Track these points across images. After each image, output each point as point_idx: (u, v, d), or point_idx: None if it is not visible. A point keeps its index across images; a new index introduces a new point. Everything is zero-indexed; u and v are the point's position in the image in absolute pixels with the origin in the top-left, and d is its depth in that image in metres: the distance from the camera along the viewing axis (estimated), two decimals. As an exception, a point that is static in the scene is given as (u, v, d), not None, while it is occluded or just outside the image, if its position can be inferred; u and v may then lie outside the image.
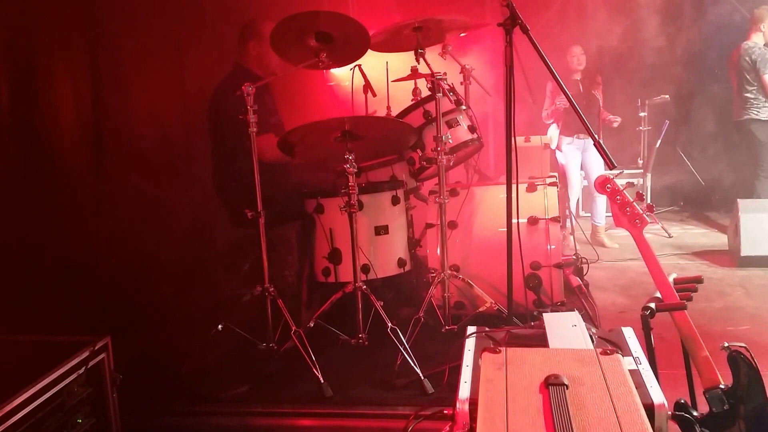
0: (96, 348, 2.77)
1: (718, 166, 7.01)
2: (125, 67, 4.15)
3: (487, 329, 2.61)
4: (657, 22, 7.00)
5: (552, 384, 1.83)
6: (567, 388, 1.82)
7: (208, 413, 3.35)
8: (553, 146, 6.61)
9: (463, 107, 4.12)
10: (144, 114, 4.22)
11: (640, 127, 7.53)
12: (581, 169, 6.81)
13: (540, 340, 2.41)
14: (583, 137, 6.52)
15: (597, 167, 6.64)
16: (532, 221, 4.08)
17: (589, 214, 7.10)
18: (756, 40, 6.23)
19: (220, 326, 3.69)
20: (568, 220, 6.10)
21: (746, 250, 5.53)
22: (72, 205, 3.82)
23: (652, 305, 2.52)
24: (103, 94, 4.06)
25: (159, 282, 4.24)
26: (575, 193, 6.83)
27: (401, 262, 4.12)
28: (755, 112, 6.24)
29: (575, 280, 4.89)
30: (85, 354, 2.71)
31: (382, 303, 3.64)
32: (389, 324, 3.55)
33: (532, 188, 4.26)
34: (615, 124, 6.63)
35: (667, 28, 7.02)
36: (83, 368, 2.69)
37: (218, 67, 4.26)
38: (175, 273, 4.33)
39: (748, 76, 6.23)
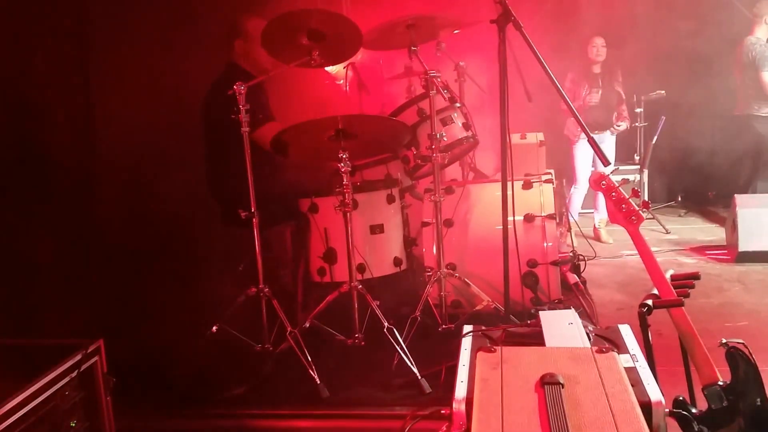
0: (88, 351, 2.74)
1: (716, 161, 6.98)
2: (116, 67, 4.13)
3: (483, 328, 2.59)
4: (653, 16, 6.98)
5: (547, 383, 1.82)
6: (562, 387, 1.81)
7: (203, 416, 3.33)
8: (577, 139, 6.55)
9: (458, 105, 4.10)
10: (136, 114, 4.19)
11: (637, 123, 7.50)
12: (592, 165, 6.75)
13: (536, 338, 2.40)
14: (598, 133, 6.48)
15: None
16: (529, 219, 4.06)
17: (588, 210, 7.07)
18: (759, 34, 6.19)
19: (214, 328, 3.67)
20: (566, 217, 6.07)
21: (744, 246, 5.50)
22: (64, 206, 3.80)
23: (649, 302, 2.50)
24: (93, 96, 4.04)
25: (152, 284, 4.22)
26: (582, 189, 6.77)
27: (397, 261, 4.11)
28: (756, 108, 6.21)
29: (572, 278, 4.87)
30: (78, 357, 2.68)
31: (378, 302, 3.62)
32: (386, 324, 3.53)
33: (527, 185, 4.24)
34: (619, 127, 6.56)
35: (663, 22, 6.99)
36: (76, 371, 2.65)
37: (211, 65, 4.22)
38: (168, 274, 4.31)
39: (749, 72, 6.21)
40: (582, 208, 7.35)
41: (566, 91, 6.35)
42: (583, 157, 6.63)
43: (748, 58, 6.17)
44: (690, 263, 5.72)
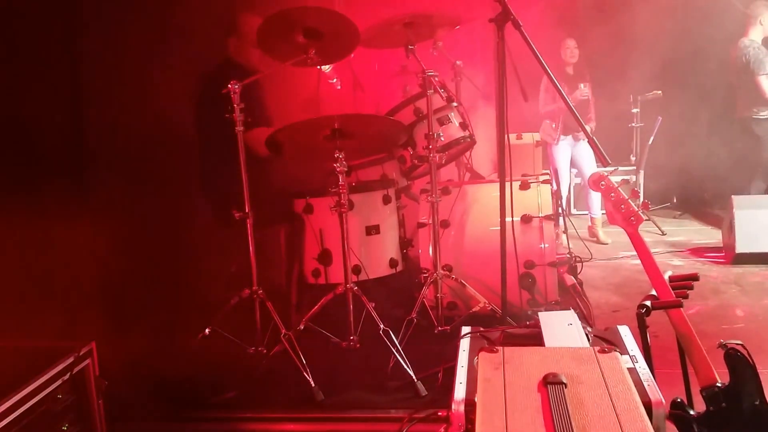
0: (81, 354, 2.73)
1: (712, 162, 6.97)
2: (107, 66, 4.08)
3: (481, 329, 2.58)
4: (650, 15, 6.97)
5: (550, 383, 1.82)
6: (565, 387, 1.80)
7: (196, 419, 3.29)
8: (555, 142, 6.55)
9: (455, 104, 4.08)
10: (128, 112, 4.15)
11: (633, 124, 7.49)
12: (572, 166, 6.77)
13: (535, 339, 2.40)
14: (572, 134, 6.50)
15: (588, 163, 6.62)
16: (526, 219, 4.04)
17: (582, 212, 7.07)
18: (754, 35, 6.17)
19: (207, 330, 3.63)
20: (561, 218, 6.06)
21: (741, 247, 5.48)
22: (54, 206, 3.75)
23: (648, 303, 2.48)
24: (84, 96, 4.00)
25: (144, 285, 4.18)
26: (564, 190, 6.79)
27: (393, 263, 4.08)
28: (755, 110, 6.19)
29: (569, 279, 4.86)
30: (70, 360, 2.67)
31: (373, 304, 3.59)
32: (381, 326, 3.50)
33: (525, 186, 4.22)
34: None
35: (660, 23, 6.99)
36: (68, 374, 2.64)
37: (204, 63, 4.20)
38: (160, 276, 4.27)
39: (744, 75, 6.20)
40: (577, 209, 7.36)
41: (544, 94, 6.39)
42: (563, 158, 6.65)
43: (742, 62, 6.16)
44: (686, 265, 5.70)
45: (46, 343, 2.77)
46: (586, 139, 6.35)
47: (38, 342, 2.80)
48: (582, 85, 6.35)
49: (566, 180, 6.82)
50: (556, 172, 6.68)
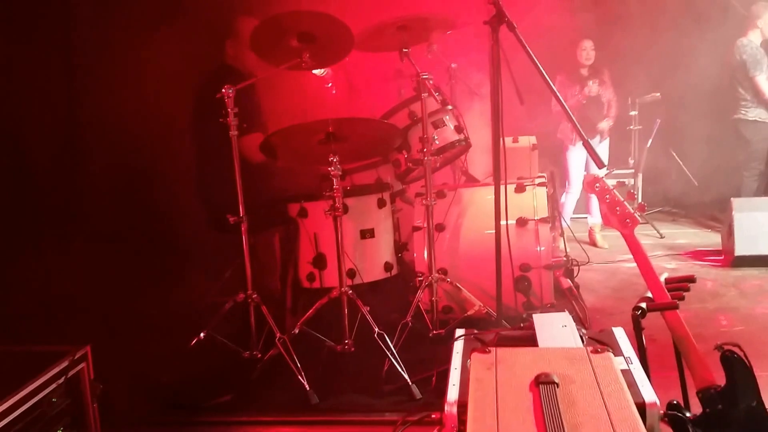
0: (76, 357, 2.74)
1: (711, 165, 6.95)
2: (101, 70, 4.09)
3: (475, 331, 2.57)
4: (648, 17, 6.96)
5: (542, 382, 1.80)
6: (557, 387, 1.79)
7: (191, 423, 3.30)
8: (573, 143, 6.50)
9: (450, 107, 4.07)
10: (122, 114, 4.15)
11: (631, 126, 7.46)
12: (585, 169, 6.72)
13: (529, 341, 2.38)
14: (590, 137, 6.45)
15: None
16: (521, 222, 4.03)
17: (579, 215, 7.04)
18: (752, 36, 6.15)
19: (202, 334, 3.62)
20: (558, 222, 6.03)
21: (740, 250, 5.46)
22: (48, 209, 3.75)
23: (643, 305, 2.48)
24: (78, 101, 4.00)
25: (139, 289, 4.17)
26: (575, 194, 6.74)
27: (388, 266, 4.07)
28: (744, 112, 6.19)
29: (566, 282, 4.84)
30: (65, 364, 2.67)
31: (368, 308, 3.59)
32: (376, 329, 3.50)
33: (520, 189, 4.21)
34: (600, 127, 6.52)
35: (658, 25, 6.98)
36: (63, 378, 2.65)
37: (200, 67, 4.19)
38: (155, 280, 4.26)
39: (738, 75, 6.19)
40: (575, 212, 7.32)
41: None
42: (576, 161, 6.59)
43: (738, 61, 6.16)
44: (685, 268, 5.69)
45: (41, 347, 2.77)
46: (604, 140, 6.44)
47: (33, 345, 2.80)
48: (590, 82, 6.30)
49: (578, 183, 6.72)
50: (567, 175, 6.64)
